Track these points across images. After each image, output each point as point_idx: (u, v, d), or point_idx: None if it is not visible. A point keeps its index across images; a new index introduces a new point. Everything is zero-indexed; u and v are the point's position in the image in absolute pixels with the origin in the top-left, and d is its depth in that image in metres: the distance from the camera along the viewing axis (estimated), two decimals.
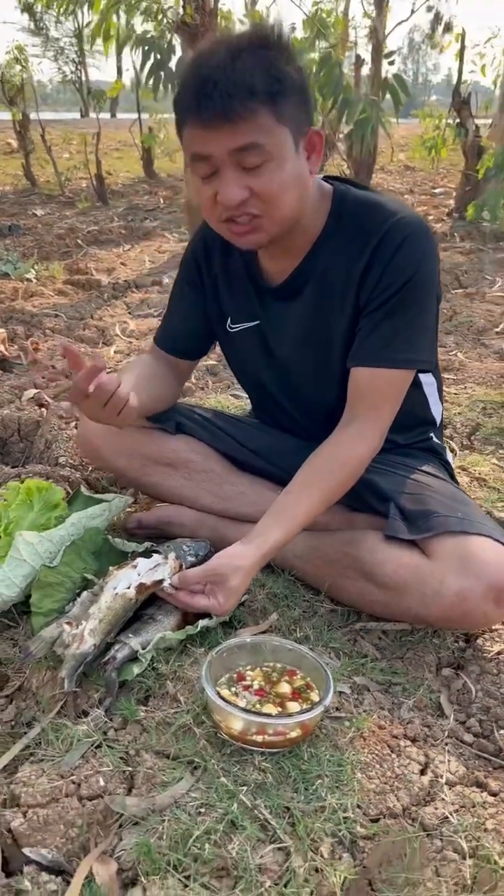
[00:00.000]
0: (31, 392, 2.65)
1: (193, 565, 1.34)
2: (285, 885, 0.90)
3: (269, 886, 0.89)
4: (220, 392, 2.66)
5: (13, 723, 1.19)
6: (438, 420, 1.57)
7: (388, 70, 4.02)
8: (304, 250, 1.36)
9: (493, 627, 1.40)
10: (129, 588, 1.24)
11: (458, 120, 6.48)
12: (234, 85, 1.11)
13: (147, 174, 9.67)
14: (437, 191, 8.76)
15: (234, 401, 2.54)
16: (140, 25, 5.03)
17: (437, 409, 1.56)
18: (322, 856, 0.94)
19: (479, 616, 1.24)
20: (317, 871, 0.93)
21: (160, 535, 1.56)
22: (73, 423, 2.29)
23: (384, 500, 1.38)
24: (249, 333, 1.49)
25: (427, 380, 1.51)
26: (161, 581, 1.26)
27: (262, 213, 1.22)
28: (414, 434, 1.53)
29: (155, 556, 1.31)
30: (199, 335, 1.60)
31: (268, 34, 1.17)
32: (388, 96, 5.00)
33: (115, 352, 3.17)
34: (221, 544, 1.46)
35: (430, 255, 1.30)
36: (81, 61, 29.53)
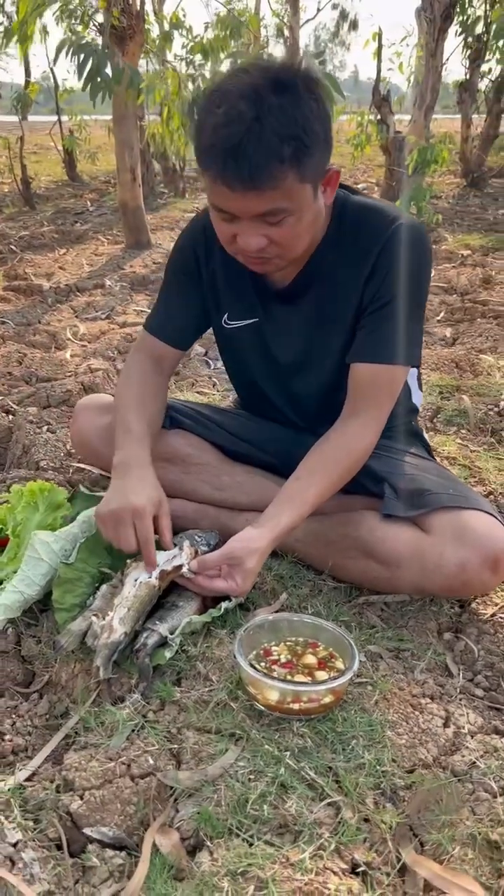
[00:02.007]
0: None
1: (205, 553, 1.40)
2: (342, 835, 0.97)
3: (328, 837, 0.96)
4: (184, 390, 2.70)
5: (47, 716, 1.23)
6: (419, 407, 1.67)
7: (316, 69, 4.10)
8: (307, 255, 1.40)
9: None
10: (150, 577, 1.28)
11: (378, 117, 6.66)
12: (263, 154, 1.11)
13: (70, 177, 9.57)
14: (359, 186, 8.97)
15: (199, 398, 2.59)
16: (58, 28, 4.99)
17: (417, 398, 1.65)
18: (368, 807, 1.02)
19: (478, 584, 1.34)
20: (366, 820, 1.01)
21: None
22: (45, 428, 2.30)
23: (378, 481, 1.46)
24: (247, 330, 1.53)
25: (411, 370, 1.59)
26: (180, 567, 1.31)
27: (277, 256, 1.28)
28: (399, 421, 1.62)
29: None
30: (196, 325, 1.61)
31: (292, 75, 1.15)
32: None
33: (70, 356, 3.18)
34: (223, 533, 1.53)
35: (428, 259, 1.39)
36: None
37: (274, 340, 1.51)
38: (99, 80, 3.74)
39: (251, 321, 1.52)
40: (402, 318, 1.37)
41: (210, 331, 1.65)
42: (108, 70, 3.79)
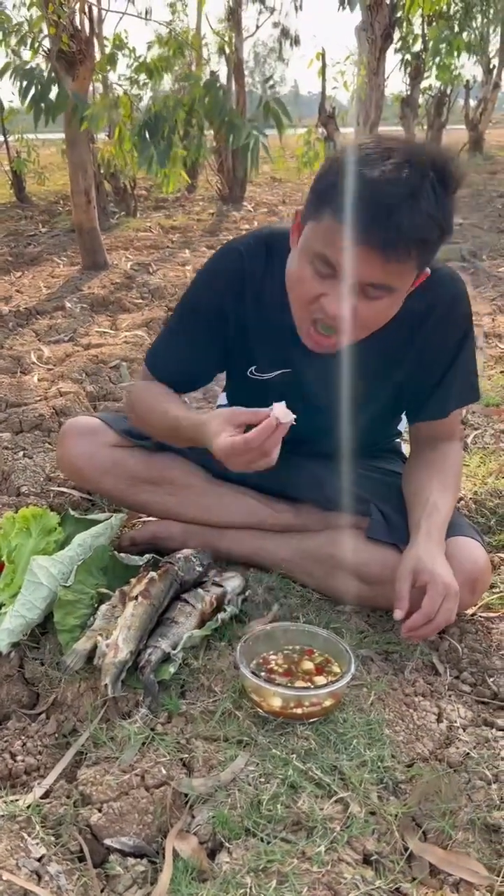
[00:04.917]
0: None
1: (201, 575, 1.46)
2: (352, 829, 1.03)
3: (339, 831, 1.03)
4: None
5: (56, 735, 1.26)
6: (404, 430, 1.74)
7: (266, 94, 4.20)
8: None
9: None
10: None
11: (325, 133, 6.82)
12: (409, 232, 1.11)
13: (19, 199, 9.52)
14: None
15: None
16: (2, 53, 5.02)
17: (403, 423, 1.72)
18: (374, 801, 1.09)
19: (459, 603, 1.40)
20: (372, 813, 1.07)
21: (152, 549, 1.64)
22: (21, 453, 2.33)
23: (364, 502, 1.52)
24: (279, 380, 1.49)
25: None
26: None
27: (345, 332, 1.25)
28: (385, 443, 1.70)
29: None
30: (205, 370, 1.54)
31: (451, 167, 1.15)
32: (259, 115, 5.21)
33: (38, 380, 3.20)
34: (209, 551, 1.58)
35: (468, 300, 1.42)
36: None
37: (311, 388, 1.47)
38: (42, 105, 3.79)
39: (283, 371, 1.48)
40: (465, 362, 1.45)
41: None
42: (53, 96, 3.84)
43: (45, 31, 4.68)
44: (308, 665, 1.28)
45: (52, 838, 1.06)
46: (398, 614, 1.29)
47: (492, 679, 1.35)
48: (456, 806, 1.08)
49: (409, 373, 1.46)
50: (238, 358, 1.51)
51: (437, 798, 1.09)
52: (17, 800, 1.12)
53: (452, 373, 1.44)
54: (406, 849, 1.03)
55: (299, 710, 1.18)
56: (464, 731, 1.22)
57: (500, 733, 1.21)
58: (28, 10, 4.77)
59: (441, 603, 1.26)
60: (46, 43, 4.78)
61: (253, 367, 1.51)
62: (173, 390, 1.51)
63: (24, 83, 4.23)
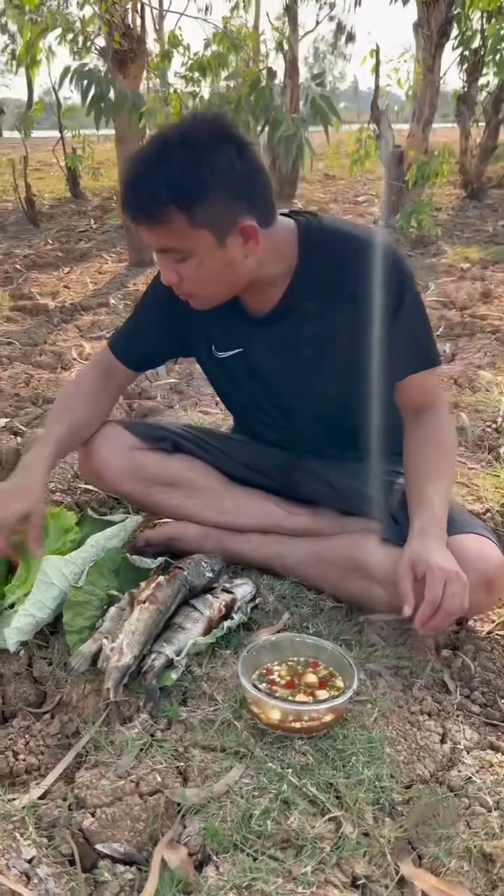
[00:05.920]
0: (2, 421, 2.70)
1: (211, 580, 1.46)
2: (343, 850, 1.01)
3: (329, 852, 1.01)
4: (188, 409, 2.76)
5: (59, 735, 1.27)
6: None
7: (313, 90, 4.16)
8: (282, 286, 1.43)
9: None
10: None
11: (377, 132, 6.73)
12: (145, 195, 1.24)
13: (73, 194, 9.66)
14: (360, 199, 9.05)
15: (204, 417, 2.64)
16: (62, 47, 5.08)
17: None
18: (368, 822, 1.06)
19: (473, 605, 1.38)
20: (365, 835, 1.05)
21: (167, 551, 1.65)
22: None
23: (377, 505, 1.50)
24: (235, 360, 1.55)
25: None
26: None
27: (191, 295, 1.38)
28: (397, 441, 1.67)
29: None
30: (162, 351, 1.67)
31: (206, 131, 1.25)
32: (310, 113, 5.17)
33: (76, 376, 3.23)
34: (225, 554, 1.58)
35: (406, 268, 1.41)
36: None
37: (265, 368, 1.53)
38: (102, 105, 3.83)
39: (237, 351, 1.54)
40: (416, 326, 1.43)
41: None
42: (112, 95, 3.87)
43: (99, 30, 4.74)
44: (311, 678, 1.26)
45: (45, 840, 1.06)
46: (407, 610, 1.27)
47: (503, 700, 1.31)
48: (453, 832, 1.06)
49: (358, 345, 1.43)
50: (199, 338, 1.60)
51: (433, 822, 1.07)
52: (13, 799, 1.13)
53: (396, 337, 1.41)
54: (397, 873, 1.01)
55: (298, 725, 1.17)
56: (468, 753, 1.19)
57: None
58: (81, 9, 4.83)
59: (444, 588, 1.24)
60: (99, 41, 4.84)
61: (213, 346, 1.58)
62: (131, 367, 1.66)
63: (84, 83, 4.27)
